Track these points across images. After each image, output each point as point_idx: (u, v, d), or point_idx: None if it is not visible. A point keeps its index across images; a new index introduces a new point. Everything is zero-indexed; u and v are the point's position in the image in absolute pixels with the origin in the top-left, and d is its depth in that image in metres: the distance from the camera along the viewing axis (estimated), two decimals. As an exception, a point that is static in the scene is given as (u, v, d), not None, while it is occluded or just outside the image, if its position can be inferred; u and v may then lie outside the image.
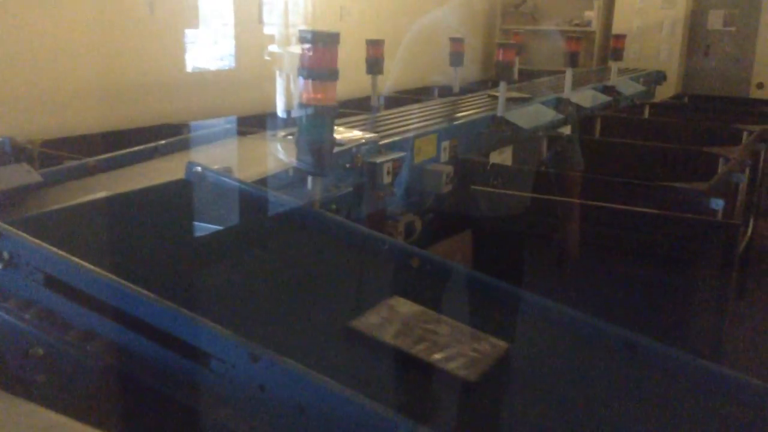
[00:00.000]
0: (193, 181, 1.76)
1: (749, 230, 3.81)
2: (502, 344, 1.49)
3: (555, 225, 2.61)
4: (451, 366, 1.40)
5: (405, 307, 1.62)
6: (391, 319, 1.55)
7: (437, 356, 1.43)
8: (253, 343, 1.12)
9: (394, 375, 1.46)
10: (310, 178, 2.04)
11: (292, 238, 1.79)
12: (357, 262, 1.84)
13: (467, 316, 1.82)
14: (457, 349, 1.46)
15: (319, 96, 1.94)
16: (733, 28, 6.13)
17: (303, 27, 4.01)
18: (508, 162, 3.63)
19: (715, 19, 6.18)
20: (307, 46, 1.94)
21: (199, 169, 1.76)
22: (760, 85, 6.03)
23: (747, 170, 3.53)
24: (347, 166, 2.48)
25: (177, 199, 1.73)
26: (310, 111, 1.85)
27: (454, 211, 2.96)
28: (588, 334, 1.64)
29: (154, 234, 1.59)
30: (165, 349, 1.16)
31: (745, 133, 4.06)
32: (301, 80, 1.93)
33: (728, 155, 3.44)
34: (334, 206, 2.29)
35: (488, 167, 3.18)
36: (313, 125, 1.88)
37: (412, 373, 1.44)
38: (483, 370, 1.39)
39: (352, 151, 2.51)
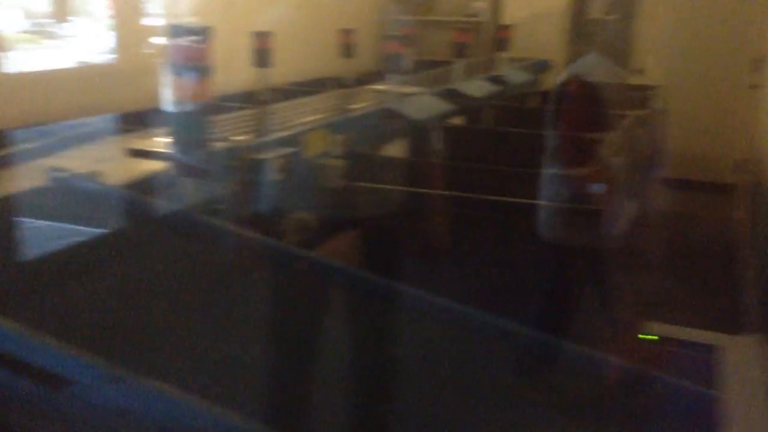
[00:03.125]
0: (55, 188, 1.64)
1: (629, 212, 4.00)
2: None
3: (437, 216, 2.63)
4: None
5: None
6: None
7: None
8: (111, 364, 1.05)
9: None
10: (187, 180, 1.95)
11: (168, 245, 1.70)
12: (239, 267, 1.78)
13: (352, 315, 1.80)
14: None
15: (191, 92, 1.85)
16: (613, 16, 6.40)
17: (186, 19, 3.85)
18: (402, 154, 3.63)
19: (596, 8, 6.43)
20: (178, 40, 1.85)
21: (60, 174, 1.64)
22: (639, 72, 6.33)
23: (626, 153, 3.70)
24: (232, 163, 2.39)
25: (36, 209, 1.61)
26: (183, 108, 1.76)
27: (347, 207, 2.93)
28: (470, 326, 1.65)
29: (8, 247, 1.47)
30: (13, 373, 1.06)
31: (623, 118, 4.24)
32: (173, 76, 1.84)
33: (606, 140, 3.58)
34: (217, 208, 2.21)
35: (380, 160, 3.17)
36: (187, 123, 1.80)
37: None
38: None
39: (237, 147, 2.42)
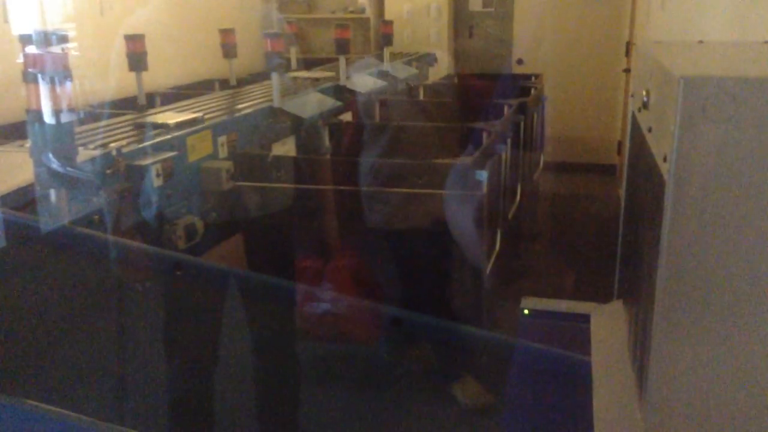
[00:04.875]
0: None
1: (517, 196, 4.17)
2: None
3: (328, 212, 2.65)
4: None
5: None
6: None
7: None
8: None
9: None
10: (53, 192, 1.87)
11: (38, 262, 1.63)
12: (118, 280, 1.73)
13: (241, 320, 1.79)
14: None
15: (57, 100, 1.77)
16: (491, 9, 6.64)
17: (59, 26, 3.68)
18: (292, 153, 3.62)
19: (475, 1, 6.64)
20: (35, 47, 1.77)
21: None
22: (519, 62, 6.59)
23: (508, 141, 3.85)
24: (108, 171, 2.31)
25: None
26: (42, 117, 1.69)
27: (236, 209, 2.90)
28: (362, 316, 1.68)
29: None
30: None
31: (506, 107, 4.42)
32: (31, 84, 1.76)
33: (491, 129, 3.72)
34: (94, 219, 2.13)
35: (269, 160, 3.15)
36: (49, 132, 1.72)
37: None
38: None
39: (112, 154, 2.34)
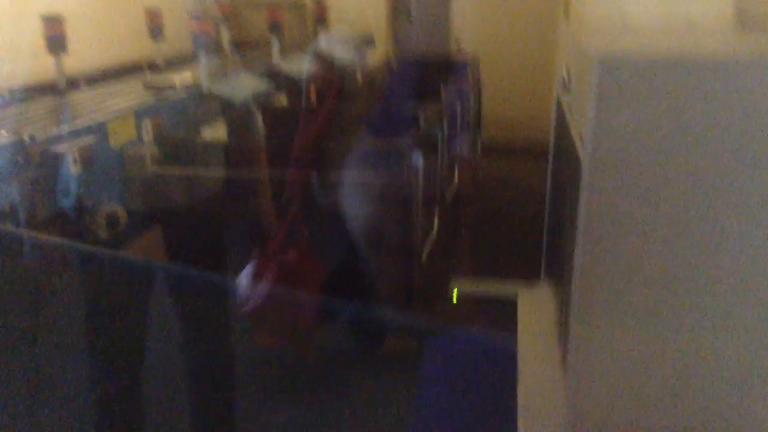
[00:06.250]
0: None
1: (454, 180, 4.17)
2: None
3: (256, 199, 2.57)
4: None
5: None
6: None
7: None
8: None
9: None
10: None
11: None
12: (33, 275, 1.62)
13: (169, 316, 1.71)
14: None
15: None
16: (429, -8, 6.61)
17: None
18: (222, 138, 3.50)
19: (412, -17, 6.60)
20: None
21: None
22: (457, 42, 6.59)
23: (445, 123, 3.83)
24: (19, 160, 2.18)
25: None
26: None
27: (161, 196, 2.78)
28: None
29: None
30: None
31: (443, 89, 4.40)
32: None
33: (427, 111, 3.69)
34: (5, 210, 2.01)
35: (197, 145, 3.04)
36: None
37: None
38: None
39: (23, 141, 2.21)
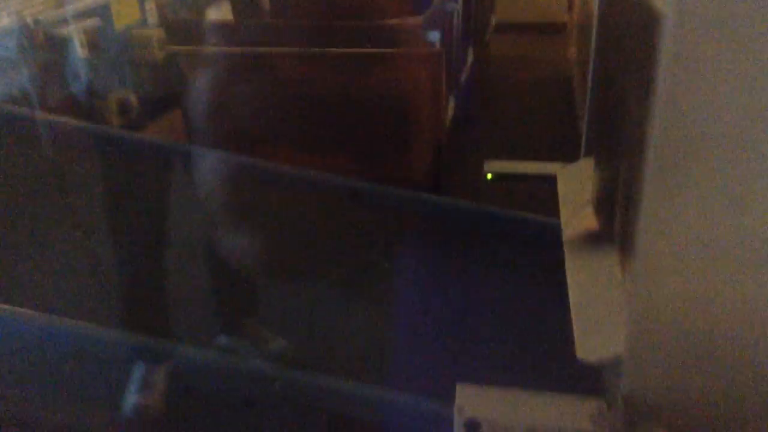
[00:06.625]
0: None
1: (469, 59, 4.02)
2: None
3: (269, 79, 2.48)
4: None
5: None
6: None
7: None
8: None
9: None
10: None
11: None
12: (53, 162, 1.58)
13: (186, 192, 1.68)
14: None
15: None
16: None
17: None
18: (228, 18, 3.35)
19: None
20: None
21: None
22: None
23: (459, -1, 3.64)
24: (24, 44, 2.08)
25: None
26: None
27: (173, 81, 2.70)
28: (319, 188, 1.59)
29: None
30: None
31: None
32: None
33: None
34: (17, 97, 1.94)
35: (205, 26, 2.91)
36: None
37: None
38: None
39: (26, 24, 2.10)
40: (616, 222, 0.99)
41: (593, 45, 1.28)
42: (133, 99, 2.52)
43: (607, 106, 1.12)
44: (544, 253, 1.24)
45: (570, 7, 6.52)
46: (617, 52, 1.06)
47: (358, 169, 2.31)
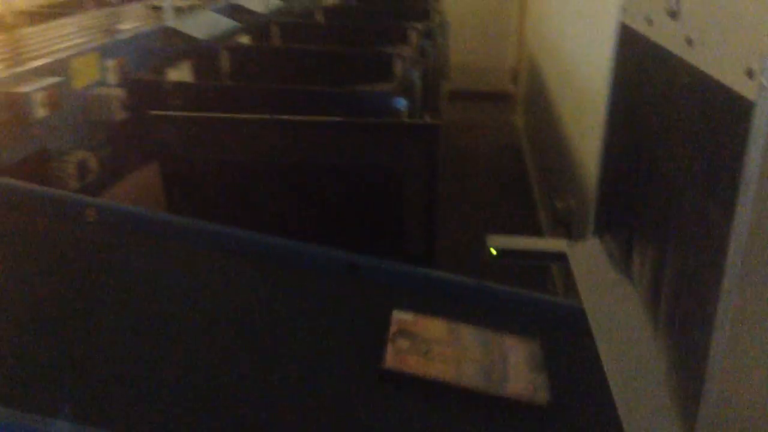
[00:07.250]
0: None
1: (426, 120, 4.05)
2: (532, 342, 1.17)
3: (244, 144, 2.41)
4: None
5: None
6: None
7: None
8: None
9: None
10: None
11: None
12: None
13: (172, 266, 1.57)
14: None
15: None
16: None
17: None
18: (188, 78, 3.29)
19: None
20: None
21: None
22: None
23: (420, 67, 3.69)
24: (-20, 101, 1.96)
25: None
26: None
27: (135, 142, 2.59)
28: (312, 260, 1.51)
29: None
30: None
31: (410, 31, 4.24)
32: None
33: (401, 54, 3.54)
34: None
35: (166, 86, 2.83)
36: None
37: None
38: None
39: (-16, 81, 1.98)
40: (663, 311, 0.96)
41: (606, 123, 1.27)
42: (92, 161, 2.40)
43: (634, 181, 1.10)
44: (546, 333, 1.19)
45: (514, 78, 6.75)
46: (655, 128, 1.05)
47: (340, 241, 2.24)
